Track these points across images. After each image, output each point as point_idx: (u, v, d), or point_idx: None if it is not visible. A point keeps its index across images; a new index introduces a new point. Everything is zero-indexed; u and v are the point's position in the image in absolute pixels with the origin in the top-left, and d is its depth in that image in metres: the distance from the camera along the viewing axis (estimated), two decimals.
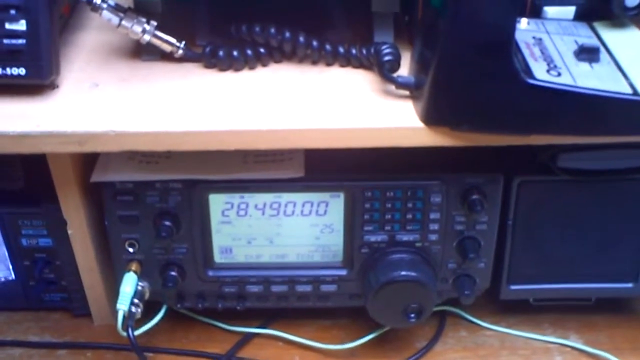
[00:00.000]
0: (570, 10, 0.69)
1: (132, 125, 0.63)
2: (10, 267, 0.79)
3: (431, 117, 0.63)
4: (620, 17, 0.67)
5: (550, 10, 0.69)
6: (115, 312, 0.80)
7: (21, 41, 0.63)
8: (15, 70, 0.63)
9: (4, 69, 0.63)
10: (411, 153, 0.66)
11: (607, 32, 0.67)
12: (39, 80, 0.65)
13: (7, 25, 0.62)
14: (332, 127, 0.63)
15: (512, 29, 0.59)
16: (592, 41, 0.66)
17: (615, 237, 0.76)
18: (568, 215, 0.74)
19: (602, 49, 0.65)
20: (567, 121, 0.61)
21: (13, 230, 0.77)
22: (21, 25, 0.63)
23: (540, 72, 0.61)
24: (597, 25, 0.68)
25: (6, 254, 0.78)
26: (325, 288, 0.77)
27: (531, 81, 0.60)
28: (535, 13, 0.69)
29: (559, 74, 0.61)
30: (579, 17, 0.69)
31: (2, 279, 0.80)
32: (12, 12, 0.62)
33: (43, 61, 0.64)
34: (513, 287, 0.79)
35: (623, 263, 0.77)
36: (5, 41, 0.62)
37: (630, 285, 0.78)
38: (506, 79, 0.59)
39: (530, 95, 0.60)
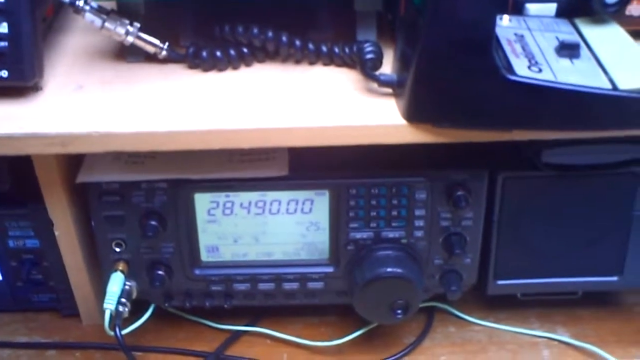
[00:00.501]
0: (551, 7, 0.69)
1: (115, 126, 0.63)
2: None
3: (413, 114, 0.63)
4: (601, 14, 0.68)
5: (532, 7, 0.69)
6: (103, 311, 0.81)
7: (3, 44, 0.63)
8: None
9: None
10: (396, 150, 0.66)
11: (588, 29, 0.68)
12: (22, 82, 0.65)
13: None
14: (316, 126, 0.64)
15: (492, 25, 0.59)
16: (573, 37, 0.66)
17: (600, 231, 0.76)
18: (553, 210, 0.75)
19: (582, 45, 0.65)
20: (548, 117, 0.61)
21: (0, 231, 0.77)
22: (3, 28, 0.63)
23: (521, 69, 0.61)
24: (578, 22, 0.69)
25: None
26: (312, 285, 0.77)
27: (512, 77, 0.60)
28: (517, 10, 0.70)
29: (540, 70, 0.61)
30: (560, 13, 0.69)
31: None
32: None
33: (26, 63, 0.64)
34: (500, 282, 0.79)
35: (608, 257, 0.77)
36: None
37: (615, 278, 0.79)
38: (487, 75, 0.60)
39: (511, 92, 0.60)
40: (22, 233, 0.77)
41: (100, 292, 0.80)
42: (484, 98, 0.61)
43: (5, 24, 0.62)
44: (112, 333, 0.72)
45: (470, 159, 0.73)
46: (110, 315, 0.72)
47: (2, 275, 0.80)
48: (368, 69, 0.66)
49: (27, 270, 0.79)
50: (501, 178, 0.73)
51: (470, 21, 0.58)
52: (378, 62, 0.67)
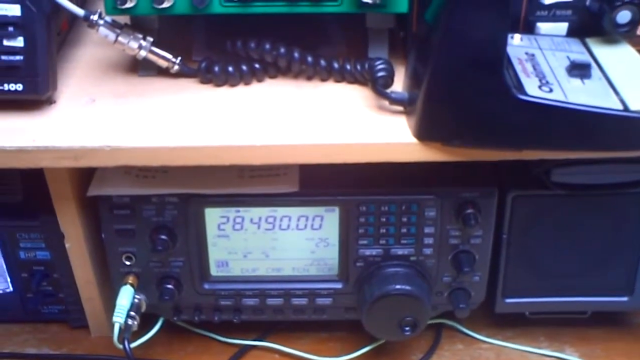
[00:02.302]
0: (563, 27, 0.69)
1: (127, 140, 0.64)
2: (9, 279, 0.80)
3: (423, 133, 0.63)
4: (612, 34, 0.68)
5: (543, 26, 0.69)
6: (112, 324, 0.81)
7: (19, 57, 0.64)
8: (12, 86, 0.64)
9: (1, 84, 0.64)
10: (406, 168, 0.66)
11: (599, 48, 0.68)
12: (36, 95, 0.66)
13: (5, 42, 0.63)
14: (327, 143, 0.64)
15: (504, 45, 0.59)
16: (584, 57, 0.66)
17: (610, 250, 0.76)
18: (562, 229, 0.75)
19: (593, 64, 0.65)
20: (559, 136, 0.61)
21: (11, 243, 0.77)
22: (19, 42, 0.63)
23: (532, 88, 0.61)
24: (590, 42, 0.69)
25: (4, 266, 0.79)
26: (320, 301, 0.77)
27: (522, 97, 0.60)
28: (529, 29, 0.70)
29: (551, 90, 0.62)
30: (571, 33, 0.70)
31: (0, 292, 0.80)
32: (10, 28, 0.63)
33: (40, 77, 0.65)
34: (508, 300, 0.79)
35: (617, 277, 0.77)
36: (3, 57, 0.63)
37: (625, 299, 0.79)
38: (498, 94, 0.60)
39: (522, 111, 0.60)
40: (33, 245, 0.78)
41: (110, 304, 0.80)
42: (494, 117, 0.61)
43: (21, 38, 0.63)
44: (121, 346, 0.72)
45: (480, 177, 0.73)
46: (120, 328, 0.72)
47: (13, 287, 0.80)
48: (379, 86, 0.66)
49: (38, 281, 0.79)
50: (511, 196, 0.73)
51: (481, 40, 0.58)
52: (389, 79, 0.67)
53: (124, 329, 0.73)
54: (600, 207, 0.74)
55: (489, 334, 0.83)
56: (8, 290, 0.80)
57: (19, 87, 0.64)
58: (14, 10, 0.63)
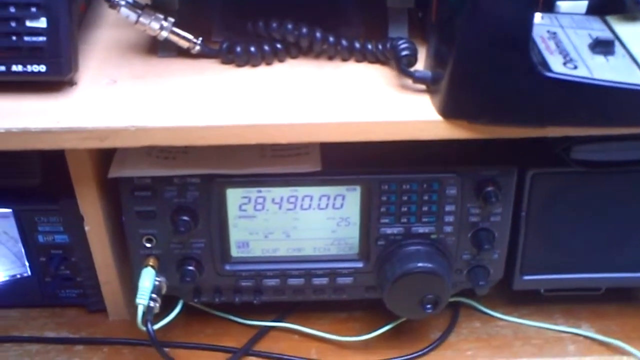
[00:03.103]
0: (582, 5, 0.70)
1: (152, 120, 0.64)
2: (27, 263, 0.79)
3: (449, 111, 0.63)
4: (633, 11, 0.68)
5: (563, 5, 0.70)
6: (130, 307, 0.81)
7: (42, 38, 0.63)
8: (35, 68, 0.64)
9: (24, 66, 0.64)
10: (426, 146, 0.67)
11: (620, 26, 0.68)
12: (58, 76, 0.65)
13: (28, 23, 0.63)
14: (352, 121, 0.64)
15: (530, 22, 0.59)
16: (606, 34, 0.67)
17: (627, 227, 0.77)
18: (581, 207, 0.75)
19: (616, 41, 0.66)
20: (584, 113, 0.62)
21: (29, 226, 0.77)
22: (42, 23, 0.63)
23: (557, 65, 0.62)
24: (610, 19, 0.69)
25: (22, 250, 0.78)
26: (341, 280, 0.77)
27: (549, 74, 0.60)
28: (548, 7, 0.70)
29: (575, 67, 0.62)
30: (591, 10, 0.70)
31: (18, 276, 0.80)
32: (33, 9, 0.62)
33: (63, 58, 0.64)
34: (526, 277, 0.80)
35: (634, 253, 0.78)
36: (27, 38, 0.63)
37: None
38: (524, 72, 0.60)
39: (548, 88, 0.60)
40: (52, 228, 0.77)
41: (128, 287, 0.81)
42: (520, 94, 0.61)
43: (44, 19, 0.63)
44: (144, 328, 0.72)
45: (499, 155, 0.73)
46: (143, 311, 0.72)
47: (31, 271, 0.80)
48: (403, 65, 0.66)
49: (56, 265, 0.79)
50: (530, 174, 0.74)
51: (508, 19, 0.59)
52: (413, 58, 0.67)
53: (147, 311, 0.73)
54: (619, 184, 0.74)
55: (505, 311, 0.84)
56: (26, 275, 0.80)
57: (42, 68, 0.64)
58: None
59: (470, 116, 0.63)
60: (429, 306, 0.74)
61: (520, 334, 0.82)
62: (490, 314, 0.84)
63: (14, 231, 0.77)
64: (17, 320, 0.82)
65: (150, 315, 0.73)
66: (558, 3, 0.70)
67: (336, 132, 0.64)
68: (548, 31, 0.67)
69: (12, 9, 0.62)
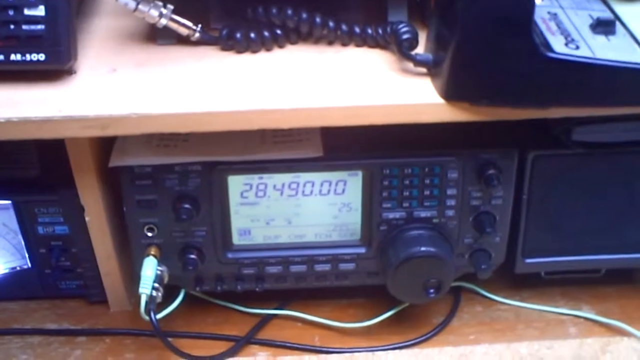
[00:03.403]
0: None
1: (154, 107, 0.63)
2: (27, 255, 0.79)
3: (452, 93, 0.63)
4: None
5: None
6: (132, 298, 0.81)
7: (40, 27, 0.63)
8: (34, 56, 0.63)
9: (23, 55, 0.63)
10: (426, 130, 0.67)
11: (621, 6, 0.68)
12: (58, 65, 0.65)
13: (26, 11, 0.62)
14: (354, 105, 0.64)
15: (532, 3, 0.59)
16: (607, 14, 0.67)
17: (628, 209, 0.77)
18: (582, 188, 0.75)
19: (616, 22, 0.66)
20: (587, 93, 0.62)
21: (29, 218, 0.77)
22: (40, 11, 0.63)
23: (558, 46, 0.62)
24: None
25: (22, 242, 0.78)
26: (343, 266, 0.77)
27: (551, 55, 0.60)
28: None
29: (577, 47, 0.62)
30: None
31: (18, 268, 0.80)
32: None
33: (62, 46, 0.64)
34: (528, 260, 0.80)
35: (634, 235, 0.78)
36: (25, 27, 0.63)
37: None
38: (527, 53, 0.60)
39: (551, 69, 0.61)
40: (52, 219, 0.77)
41: (129, 278, 0.80)
42: (522, 76, 0.61)
43: (42, 7, 0.62)
44: (147, 318, 0.71)
45: (500, 138, 0.73)
46: (146, 300, 0.72)
47: (31, 263, 0.79)
48: (405, 48, 0.66)
49: (56, 257, 0.78)
50: (531, 156, 0.74)
51: (509, 0, 0.59)
52: (414, 42, 0.67)
53: (149, 300, 0.72)
54: (619, 166, 0.74)
55: (506, 295, 0.84)
56: (26, 267, 0.79)
57: (42, 57, 0.63)
58: None
59: (473, 98, 0.63)
60: (431, 291, 0.74)
61: (522, 317, 0.82)
62: (491, 298, 0.84)
63: (13, 223, 0.77)
64: (18, 312, 0.82)
65: (153, 305, 0.72)
66: None
67: (338, 116, 0.64)
68: (549, 12, 0.68)
69: None
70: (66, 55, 0.64)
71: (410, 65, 0.67)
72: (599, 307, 0.83)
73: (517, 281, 0.84)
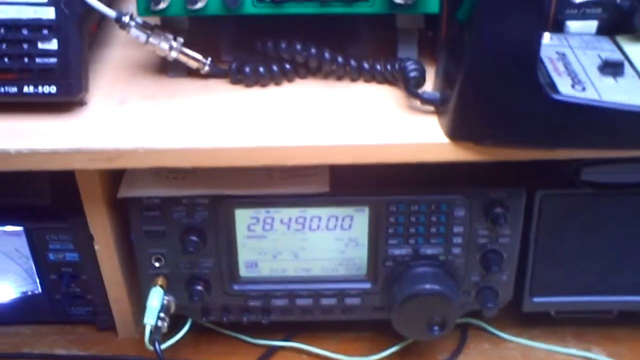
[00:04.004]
0: (592, 25, 0.70)
1: (161, 141, 0.64)
2: (38, 281, 0.80)
3: (456, 132, 0.63)
4: None
5: (572, 25, 0.70)
6: (139, 326, 0.81)
7: (53, 60, 0.64)
8: (46, 89, 0.65)
9: (35, 87, 0.65)
10: (435, 168, 0.67)
11: (630, 46, 0.68)
12: (69, 97, 0.66)
13: (40, 45, 0.64)
14: (360, 144, 0.64)
15: (538, 44, 0.59)
16: (616, 55, 0.67)
17: (638, 250, 0.76)
18: (591, 228, 0.75)
19: (625, 62, 0.65)
20: (593, 135, 0.61)
21: (41, 244, 0.78)
22: (53, 45, 0.64)
23: (564, 87, 0.62)
24: (620, 39, 0.69)
25: (33, 268, 0.79)
26: (349, 301, 0.77)
27: (556, 96, 0.60)
28: (558, 28, 0.70)
29: (584, 89, 0.62)
30: (601, 31, 0.70)
31: (29, 293, 0.81)
32: (45, 31, 0.63)
33: (73, 79, 0.65)
34: (536, 299, 0.79)
35: None
36: (38, 60, 0.64)
37: None
38: (531, 94, 0.60)
39: (556, 111, 0.60)
40: (62, 247, 0.78)
41: (137, 306, 0.81)
42: (528, 117, 0.61)
43: (55, 40, 0.63)
44: (152, 348, 0.72)
45: (508, 176, 0.73)
46: (151, 330, 0.72)
47: (42, 288, 0.80)
48: (411, 86, 0.66)
49: (66, 283, 0.80)
50: (539, 196, 0.73)
51: (515, 39, 0.58)
52: (421, 79, 0.67)
53: (154, 330, 0.73)
54: (629, 206, 0.74)
55: (515, 333, 0.83)
56: (37, 292, 0.80)
57: (53, 89, 0.65)
58: (49, 13, 0.63)
59: (477, 138, 0.63)
60: (436, 328, 0.74)
61: (530, 356, 0.81)
62: (499, 336, 0.83)
63: (25, 248, 0.78)
64: (28, 337, 0.83)
65: (158, 335, 0.73)
66: (568, 23, 0.70)
67: (344, 154, 0.64)
68: (557, 52, 0.67)
69: (25, 31, 0.63)
70: (77, 88, 0.66)
71: (418, 102, 0.67)
72: (610, 349, 0.81)
73: (527, 319, 0.83)
